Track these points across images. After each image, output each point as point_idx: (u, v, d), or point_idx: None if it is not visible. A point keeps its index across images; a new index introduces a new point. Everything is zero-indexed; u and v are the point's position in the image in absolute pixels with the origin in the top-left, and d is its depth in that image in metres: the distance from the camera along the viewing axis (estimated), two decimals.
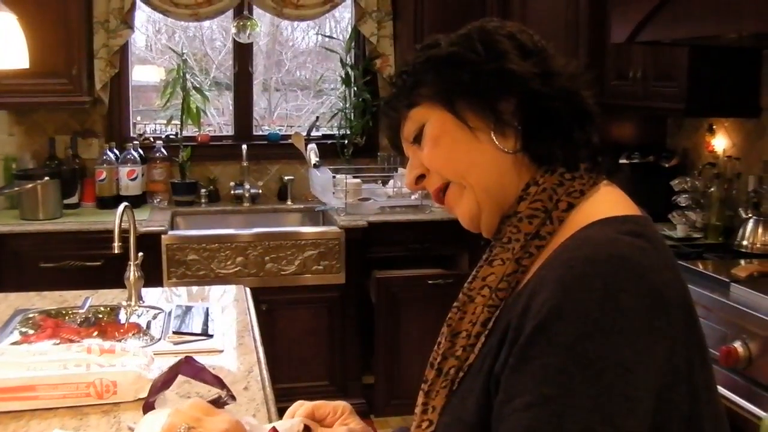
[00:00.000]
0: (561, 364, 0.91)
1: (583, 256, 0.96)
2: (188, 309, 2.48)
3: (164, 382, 1.33)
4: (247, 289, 2.77)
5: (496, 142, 1.10)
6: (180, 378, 1.90)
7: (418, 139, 1.15)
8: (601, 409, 0.89)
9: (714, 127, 3.87)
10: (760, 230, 3.35)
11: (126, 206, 2.52)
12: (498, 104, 1.10)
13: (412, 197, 4.50)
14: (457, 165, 1.12)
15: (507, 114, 1.10)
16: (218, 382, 1.34)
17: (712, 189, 3.67)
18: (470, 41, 1.13)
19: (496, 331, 1.03)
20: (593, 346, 0.90)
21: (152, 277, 3.40)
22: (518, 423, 0.92)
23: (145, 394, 1.77)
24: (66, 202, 4.28)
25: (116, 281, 2.69)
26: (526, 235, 1.07)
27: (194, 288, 2.96)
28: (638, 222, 1.06)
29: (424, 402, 1.09)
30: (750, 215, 3.42)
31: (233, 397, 1.41)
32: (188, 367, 1.32)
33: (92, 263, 3.88)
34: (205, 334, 2.27)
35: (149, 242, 3.80)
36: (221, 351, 2.16)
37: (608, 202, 1.10)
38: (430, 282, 4.26)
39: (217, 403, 1.39)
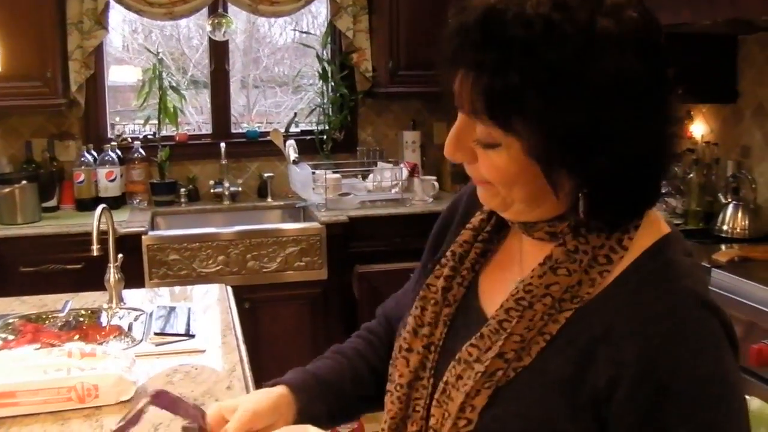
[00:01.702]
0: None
1: (683, 298, 1.00)
2: (170, 309, 2.47)
3: (130, 421, 1.30)
4: (229, 288, 2.76)
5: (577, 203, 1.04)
6: (164, 380, 1.89)
7: (483, 144, 1.03)
8: None
9: (692, 113, 3.88)
10: (739, 215, 3.37)
11: (104, 208, 2.50)
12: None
13: (392, 191, 4.50)
14: (513, 188, 1.05)
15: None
16: (198, 411, 1.30)
17: (692, 175, 3.68)
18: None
19: (576, 338, 1.02)
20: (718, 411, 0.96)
21: (134, 278, 3.38)
22: None
23: (127, 397, 1.77)
24: (44, 205, 4.25)
25: (97, 284, 2.67)
26: (594, 247, 1.05)
27: (176, 288, 2.94)
28: (680, 235, 1.12)
29: (463, 402, 1.05)
30: (729, 200, 3.44)
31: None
32: (161, 400, 1.29)
33: (73, 266, 3.85)
34: (188, 334, 2.25)
35: (130, 243, 3.78)
36: (203, 351, 2.14)
37: (656, 215, 1.11)
38: (412, 275, 4.25)
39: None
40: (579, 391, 0.99)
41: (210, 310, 2.53)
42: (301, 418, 1.26)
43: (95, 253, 2.42)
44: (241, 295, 2.93)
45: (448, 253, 1.21)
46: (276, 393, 1.28)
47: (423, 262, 1.35)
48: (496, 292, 1.14)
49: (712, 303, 1.00)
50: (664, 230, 1.08)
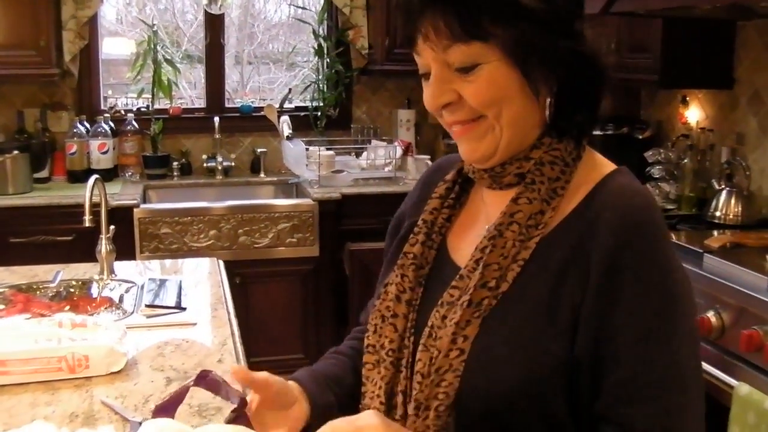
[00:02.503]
0: (657, 303, 1.06)
1: (640, 205, 1.11)
2: (161, 282, 2.46)
3: (173, 400, 1.30)
4: (221, 262, 2.75)
5: (546, 106, 1.14)
6: (155, 353, 1.89)
7: (464, 70, 1.10)
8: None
9: (687, 98, 3.88)
10: (732, 201, 3.37)
11: (97, 179, 2.49)
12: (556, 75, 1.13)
13: (386, 169, 4.48)
14: (501, 109, 1.11)
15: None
16: (239, 395, 1.29)
17: (686, 161, 3.68)
18: None
19: (547, 263, 1.10)
20: (675, 285, 1.08)
21: (124, 251, 3.37)
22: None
23: (117, 368, 1.76)
24: (36, 176, 4.23)
25: (87, 256, 2.66)
26: (549, 179, 1.14)
27: (167, 261, 2.93)
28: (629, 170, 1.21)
29: (454, 333, 1.10)
30: (723, 186, 3.44)
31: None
32: (206, 381, 1.28)
33: (63, 238, 3.84)
34: (179, 307, 2.24)
35: (121, 216, 3.77)
36: (194, 324, 2.14)
37: (600, 156, 1.23)
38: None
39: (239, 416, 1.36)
40: (557, 312, 1.07)
41: (201, 283, 2.52)
42: (314, 408, 1.27)
43: (87, 224, 2.40)
44: (232, 270, 2.92)
45: (420, 222, 1.27)
46: (289, 384, 1.30)
47: (385, 250, 1.40)
48: (466, 245, 1.22)
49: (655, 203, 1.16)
50: (611, 165, 1.20)
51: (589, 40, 1.16)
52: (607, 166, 1.19)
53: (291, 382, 1.30)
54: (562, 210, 1.14)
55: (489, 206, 1.23)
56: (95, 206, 2.43)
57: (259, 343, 3.95)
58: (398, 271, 1.24)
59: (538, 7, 1.07)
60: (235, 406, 1.23)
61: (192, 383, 1.25)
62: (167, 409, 1.28)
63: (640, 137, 4.05)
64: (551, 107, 1.14)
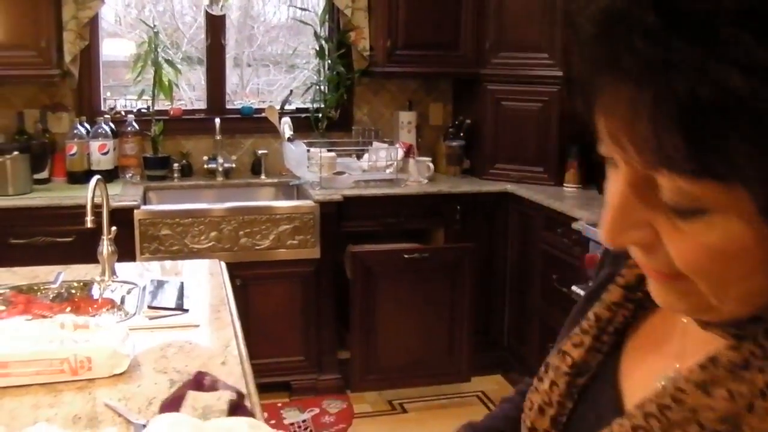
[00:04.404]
0: None
1: None
2: (163, 284, 2.45)
3: (176, 398, 1.30)
4: (222, 263, 2.74)
5: None
6: (158, 354, 1.87)
7: (677, 210, 0.62)
8: None
9: None
10: None
11: (98, 179, 2.47)
12: None
13: (387, 171, 4.47)
14: (726, 282, 0.64)
15: None
16: (234, 391, 1.30)
17: None
18: None
19: None
20: None
21: (125, 252, 3.35)
22: None
23: (120, 370, 1.74)
24: (36, 177, 4.22)
25: (88, 257, 2.65)
26: None
27: (168, 262, 2.92)
28: None
29: None
30: None
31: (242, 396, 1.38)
32: (200, 383, 1.29)
33: (63, 239, 3.83)
34: (181, 308, 2.23)
35: (122, 217, 3.75)
36: (197, 326, 2.12)
37: None
38: (405, 256, 4.24)
39: (239, 406, 1.36)
40: None
41: (203, 285, 2.51)
42: None
43: (89, 225, 2.39)
44: (232, 272, 2.91)
45: (591, 316, 0.91)
46: None
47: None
48: (639, 375, 0.85)
49: None
50: None
51: None
52: None
53: None
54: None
55: (687, 332, 0.80)
56: (96, 207, 2.42)
57: (260, 345, 3.93)
58: (551, 374, 0.93)
59: None
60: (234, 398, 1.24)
61: (190, 384, 1.25)
62: (173, 405, 1.28)
63: None
64: None
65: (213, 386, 1.37)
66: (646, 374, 0.82)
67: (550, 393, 0.92)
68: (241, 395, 1.23)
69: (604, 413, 0.83)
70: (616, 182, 0.66)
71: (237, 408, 1.38)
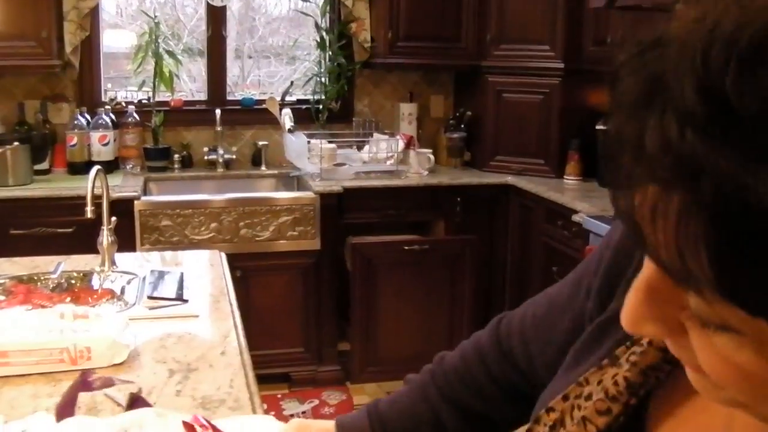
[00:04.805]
0: None
1: None
2: (162, 274, 2.44)
3: (67, 402, 1.29)
4: (223, 254, 2.73)
5: None
6: (157, 345, 1.87)
7: (704, 322, 0.54)
8: None
9: None
10: None
11: (98, 170, 2.46)
12: None
13: (388, 163, 4.47)
14: (755, 393, 0.55)
15: None
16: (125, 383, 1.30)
17: None
18: None
19: None
20: None
21: (125, 243, 3.34)
22: None
23: (120, 360, 1.74)
24: (36, 167, 4.21)
25: (88, 248, 2.65)
26: None
27: (168, 253, 2.91)
28: None
29: None
30: None
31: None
32: (91, 384, 1.28)
33: (63, 230, 3.82)
34: (180, 299, 2.23)
35: (122, 208, 3.75)
36: (197, 316, 2.12)
37: None
38: (405, 248, 4.24)
39: (137, 398, 1.35)
40: None
41: (203, 276, 2.51)
42: None
43: (89, 216, 2.38)
44: (232, 263, 2.90)
45: (621, 381, 0.78)
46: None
47: (584, 284, 0.94)
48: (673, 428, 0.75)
49: None
50: None
51: None
52: None
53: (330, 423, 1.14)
54: None
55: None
56: (97, 198, 2.41)
57: (259, 337, 3.92)
58: (568, 404, 0.81)
59: None
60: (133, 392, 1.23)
61: (78, 386, 1.25)
62: (66, 409, 1.27)
63: None
64: None
65: (105, 384, 1.35)
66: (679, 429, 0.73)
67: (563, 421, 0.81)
68: (138, 391, 1.23)
69: None
70: (647, 263, 0.57)
71: (136, 401, 1.37)
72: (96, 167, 2.47)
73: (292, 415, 3.99)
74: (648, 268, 0.57)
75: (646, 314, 0.58)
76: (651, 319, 0.58)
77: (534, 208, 4.24)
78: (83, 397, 1.35)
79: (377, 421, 1.13)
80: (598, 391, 0.78)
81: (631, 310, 0.59)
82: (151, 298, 2.22)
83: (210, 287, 2.39)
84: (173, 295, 2.25)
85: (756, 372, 0.53)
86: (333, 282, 4.25)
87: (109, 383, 1.35)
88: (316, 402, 4.14)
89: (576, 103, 4.38)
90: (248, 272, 4.01)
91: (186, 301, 2.22)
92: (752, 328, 0.51)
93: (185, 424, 1.09)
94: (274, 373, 4.15)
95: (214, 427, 1.11)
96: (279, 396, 4.19)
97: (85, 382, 1.33)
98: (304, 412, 4.04)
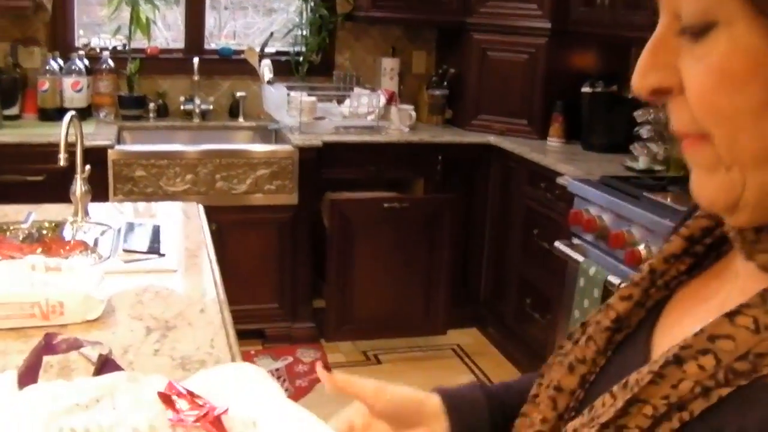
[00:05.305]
0: None
1: None
2: (138, 226, 2.35)
3: (29, 368, 1.21)
4: (200, 207, 2.65)
5: None
6: (133, 300, 1.79)
7: (693, 32, 0.62)
8: None
9: None
10: None
11: (73, 116, 2.36)
12: None
13: (368, 118, 4.38)
14: (737, 128, 0.62)
15: None
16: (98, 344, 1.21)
17: None
18: None
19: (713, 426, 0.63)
20: None
21: (97, 194, 3.20)
22: None
23: (94, 316, 1.66)
24: (5, 113, 4.08)
25: (58, 197, 2.55)
26: None
27: (142, 204, 2.82)
28: None
29: None
30: None
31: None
32: (55, 346, 1.20)
33: (33, 178, 3.70)
34: (157, 252, 2.15)
35: (94, 157, 3.60)
36: (174, 270, 2.04)
37: None
38: (385, 205, 4.16)
39: (107, 360, 1.27)
40: None
41: (179, 228, 2.42)
42: None
43: (62, 163, 2.28)
44: (208, 216, 2.82)
45: (645, 267, 0.83)
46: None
47: None
48: (678, 330, 0.75)
49: None
50: None
51: None
52: None
53: (432, 397, 1.00)
54: None
55: (738, 285, 0.72)
56: (70, 146, 2.31)
57: (234, 292, 3.80)
58: (591, 329, 0.84)
59: None
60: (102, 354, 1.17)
61: (42, 349, 1.17)
62: (29, 375, 1.20)
63: (630, 96, 3.97)
64: None
65: (72, 346, 1.27)
66: (683, 329, 0.72)
67: (585, 349, 0.83)
68: (109, 351, 1.15)
69: (630, 369, 0.73)
70: (659, 25, 0.67)
71: (106, 364, 1.29)
72: (70, 113, 2.37)
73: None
74: (660, 25, 0.66)
75: (651, 65, 0.66)
76: (654, 68, 0.66)
77: (516, 169, 4.17)
78: (51, 359, 1.26)
79: (488, 394, 1.02)
80: (627, 281, 0.85)
81: (639, 65, 0.67)
82: (126, 251, 2.13)
83: (187, 241, 2.31)
84: (149, 249, 2.17)
85: (731, 68, 0.60)
86: (309, 238, 4.17)
87: (76, 345, 1.26)
88: (290, 359, 4.09)
89: (562, 64, 4.30)
90: (223, 226, 3.92)
91: (163, 255, 2.14)
92: (729, 10, 0.59)
93: (161, 394, 1.02)
94: (248, 329, 4.07)
95: (192, 394, 1.04)
96: (253, 352, 4.13)
97: (48, 345, 1.24)
98: (278, 369, 3.98)
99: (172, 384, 1.02)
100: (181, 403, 1.00)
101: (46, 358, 1.18)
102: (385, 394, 0.96)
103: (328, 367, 0.99)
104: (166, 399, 1.00)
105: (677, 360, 0.66)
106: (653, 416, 0.66)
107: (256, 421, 0.98)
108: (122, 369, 1.15)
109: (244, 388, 1.06)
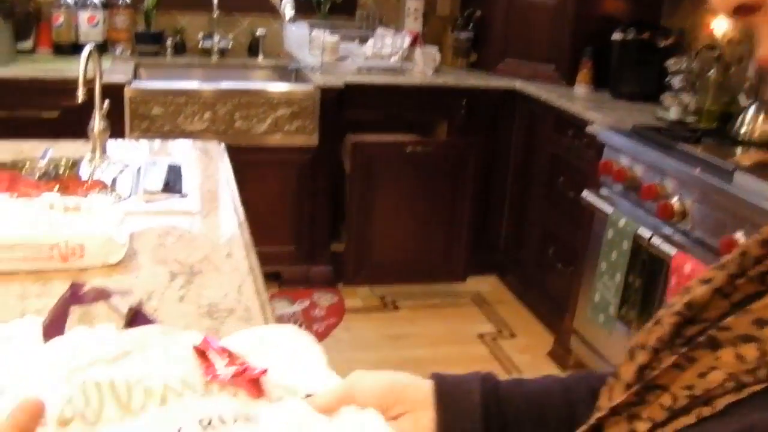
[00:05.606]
0: None
1: None
2: (157, 165, 2.27)
3: (55, 319, 1.13)
4: (222, 145, 2.56)
5: None
6: (155, 243, 1.71)
7: None
8: None
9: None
10: (760, 118, 3.19)
11: (91, 50, 2.26)
12: None
13: (392, 60, 4.25)
14: None
15: None
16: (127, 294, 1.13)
17: (711, 72, 3.48)
18: None
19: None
20: None
21: (114, 132, 3.14)
22: None
23: (116, 260, 1.58)
24: (19, 47, 3.97)
25: (74, 134, 2.47)
26: None
27: (160, 142, 2.73)
28: None
29: None
30: (750, 102, 3.26)
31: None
32: (84, 295, 1.11)
33: (48, 113, 3.62)
34: (179, 192, 2.07)
35: (110, 95, 3.49)
36: (197, 212, 1.96)
37: None
38: (407, 150, 4.06)
39: (137, 314, 1.19)
40: None
41: (202, 168, 2.34)
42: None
43: (80, 99, 2.19)
44: None
45: (738, 250, 0.66)
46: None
47: None
48: None
49: None
50: None
51: None
52: None
53: (425, 383, 0.87)
54: None
55: None
56: (88, 81, 2.21)
57: (251, 233, 3.79)
58: (663, 310, 0.68)
59: None
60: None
61: (68, 299, 1.09)
62: (55, 327, 1.12)
63: (662, 45, 3.84)
64: None
65: (100, 296, 1.19)
66: None
67: (648, 334, 0.67)
68: (140, 302, 1.07)
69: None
70: None
71: (136, 317, 1.21)
72: (89, 46, 2.27)
73: (282, 317, 3.88)
74: None
75: None
76: None
77: (541, 115, 4.06)
78: (77, 310, 1.19)
79: (490, 389, 0.87)
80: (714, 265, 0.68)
81: None
82: (146, 191, 2.05)
83: (208, 181, 2.23)
84: (170, 189, 2.09)
85: None
86: (329, 180, 4.08)
87: (104, 295, 1.18)
88: (307, 303, 4.03)
89: (592, 9, 4.16)
90: (241, 166, 3.79)
91: (185, 195, 2.06)
92: None
93: (196, 349, 0.94)
94: (265, 271, 4.01)
95: (229, 352, 0.96)
96: (269, 296, 4.06)
97: (75, 296, 1.16)
98: (294, 313, 3.92)
99: (207, 340, 0.94)
100: (217, 360, 0.92)
101: (76, 308, 1.10)
102: (353, 399, 0.85)
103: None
104: (202, 354, 0.93)
105: (712, 343, 0.56)
106: (670, 408, 0.56)
107: (296, 388, 0.90)
108: (153, 322, 1.07)
109: (286, 352, 0.98)
